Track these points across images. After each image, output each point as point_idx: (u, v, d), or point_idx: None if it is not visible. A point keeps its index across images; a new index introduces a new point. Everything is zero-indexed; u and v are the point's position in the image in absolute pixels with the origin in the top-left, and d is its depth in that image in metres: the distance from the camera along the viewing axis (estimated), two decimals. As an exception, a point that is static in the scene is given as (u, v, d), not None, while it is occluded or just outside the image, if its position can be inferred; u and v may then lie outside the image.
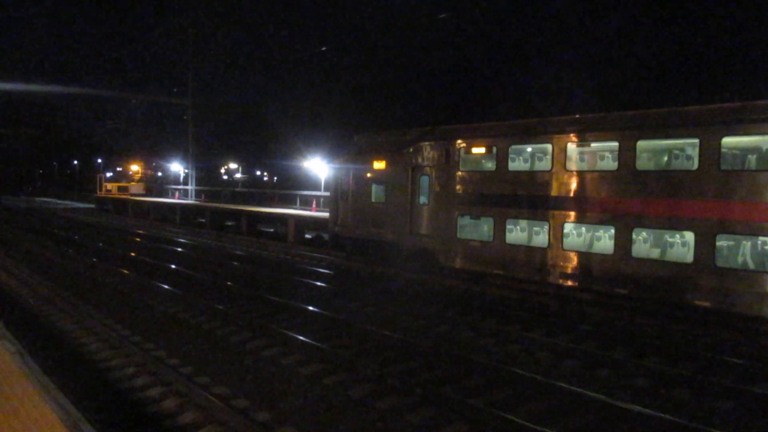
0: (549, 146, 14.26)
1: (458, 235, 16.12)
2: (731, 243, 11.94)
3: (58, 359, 9.34)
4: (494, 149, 15.41)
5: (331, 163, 21.88)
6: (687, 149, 12.77)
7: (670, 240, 12.88)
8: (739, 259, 11.82)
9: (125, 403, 7.67)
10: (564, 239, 13.88)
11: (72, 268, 18.35)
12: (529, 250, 14.66)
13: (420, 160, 17.14)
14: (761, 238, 11.49)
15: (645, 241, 13.28)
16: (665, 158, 13.32)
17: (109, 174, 61.19)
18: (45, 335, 10.87)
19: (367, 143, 19.86)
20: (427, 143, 17.02)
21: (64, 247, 22.98)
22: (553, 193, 13.99)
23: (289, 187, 54.24)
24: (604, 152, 14.06)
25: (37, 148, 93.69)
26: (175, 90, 49.35)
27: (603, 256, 13.22)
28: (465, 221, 16.27)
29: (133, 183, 56.87)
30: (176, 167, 62.73)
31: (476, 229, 16.37)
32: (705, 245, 11.51)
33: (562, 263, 13.82)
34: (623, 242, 12.70)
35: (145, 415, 7.34)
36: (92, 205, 56.12)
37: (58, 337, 10.72)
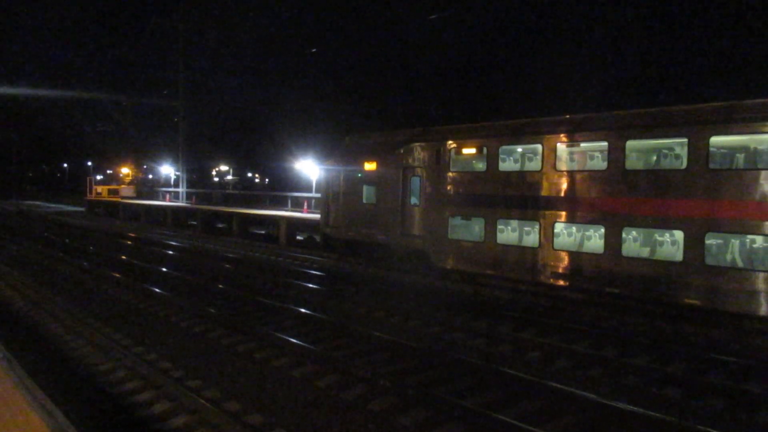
0: (539, 146, 14.31)
1: (450, 236, 16.14)
2: (720, 241, 12.01)
3: (46, 364, 9.26)
4: (485, 150, 15.44)
5: (323, 165, 21.85)
6: (676, 148, 12.84)
7: (659, 239, 12.95)
8: (728, 258, 11.90)
9: (115, 408, 7.61)
10: (554, 239, 13.92)
11: (62, 272, 18.21)
12: (520, 250, 14.69)
13: (411, 161, 17.14)
14: (750, 237, 11.57)
15: (635, 240, 13.34)
16: (654, 158, 13.39)
17: (99, 177, 60.81)
18: (33, 340, 10.77)
19: (358, 144, 19.84)
20: (418, 144, 17.03)
21: (53, 251, 22.80)
22: (544, 193, 14.03)
23: (281, 188, 54.16)
24: (594, 152, 14.11)
25: (26, 151, 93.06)
26: (165, 92, 49.14)
27: (593, 256, 13.27)
28: (456, 222, 16.29)
29: (123, 185, 56.50)
30: (167, 169, 62.46)
31: (467, 229, 16.39)
32: (694, 244, 11.57)
33: (552, 263, 13.85)
34: (613, 241, 12.75)
35: (135, 420, 7.29)
36: (82, 208, 55.73)
37: (46, 342, 10.63)
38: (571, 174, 13.79)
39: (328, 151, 29.09)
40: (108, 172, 62.05)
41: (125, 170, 60.06)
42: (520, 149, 15.58)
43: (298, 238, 28.12)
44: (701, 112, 11.87)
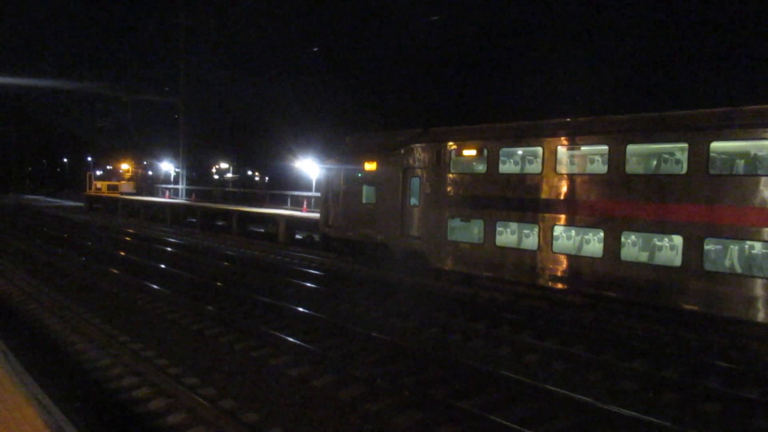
0: (539, 149, 14.31)
1: (449, 237, 16.13)
2: (719, 247, 12.02)
3: (43, 359, 9.25)
4: (485, 151, 15.43)
5: (323, 164, 21.85)
6: (676, 153, 12.86)
7: (658, 243, 12.96)
8: (727, 263, 11.91)
9: (112, 404, 7.60)
10: (554, 242, 13.92)
11: (60, 267, 18.19)
12: (519, 252, 14.70)
13: (411, 161, 17.14)
14: (748, 242, 11.58)
15: (634, 244, 13.35)
16: (654, 162, 13.41)
17: (99, 172, 60.69)
18: (30, 334, 10.76)
19: (359, 144, 19.84)
20: (418, 145, 17.03)
21: (52, 246, 22.78)
22: (543, 195, 14.04)
23: (281, 187, 54.09)
24: (594, 156, 14.13)
25: (26, 146, 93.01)
26: (166, 88, 49.12)
27: (592, 259, 13.27)
28: (455, 223, 16.29)
29: (123, 181, 56.46)
30: (167, 166, 62.42)
31: (467, 231, 16.39)
32: (693, 249, 11.58)
33: (551, 266, 13.85)
34: (612, 245, 12.75)
35: (131, 416, 7.28)
36: (82, 204, 55.69)
37: (44, 337, 10.62)
38: (571, 177, 13.79)
39: (328, 150, 29.10)
40: (108, 167, 61.89)
41: (125, 166, 60.02)
42: (520, 152, 15.59)
43: (298, 236, 28.11)
44: (702, 118, 11.88)
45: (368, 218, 18.47)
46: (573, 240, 14.50)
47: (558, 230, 14.10)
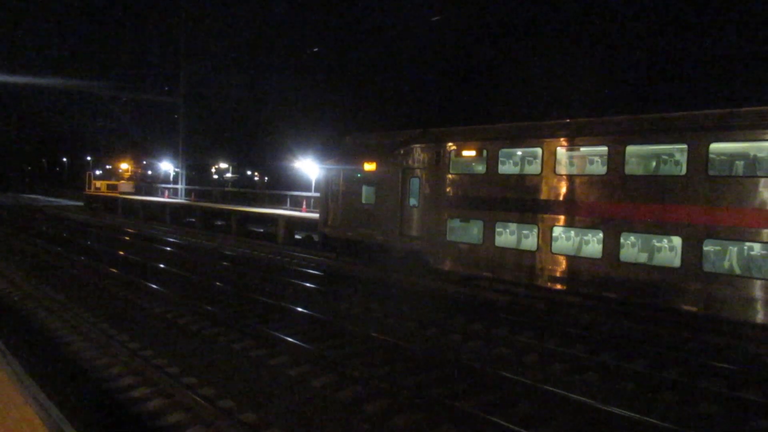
0: (539, 150, 14.32)
1: (448, 238, 16.14)
2: (718, 248, 12.03)
3: (41, 359, 9.23)
4: (484, 152, 15.44)
5: (322, 164, 21.85)
6: (675, 155, 12.87)
7: (657, 245, 12.97)
8: (726, 265, 11.92)
9: (110, 404, 7.60)
10: (553, 243, 13.93)
11: (59, 266, 18.18)
12: (518, 253, 14.70)
13: (411, 162, 17.14)
14: (747, 244, 11.59)
15: (633, 245, 13.35)
16: (654, 163, 13.42)
17: (98, 172, 60.71)
18: (29, 334, 10.74)
19: (358, 144, 19.84)
20: (417, 145, 17.03)
21: (51, 245, 22.75)
22: (543, 196, 14.05)
23: (281, 187, 54.11)
24: (594, 156, 14.14)
25: (25, 145, 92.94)
26: (166, 88, 49.14)
27: (591, 260, 13.28)
28: (455, 224, 16.29)
29: (122, 181, 56.48)
30: (166, 166, 62.44)
31: (466, 231, 16.40)
32: (692, 250, 11.59)
33: (550, 267, 13.86)
34: (611, 246, 12.76)
35: (130, 416, 7.27)
36: (81, 203, 55.67)
37: (42, 336, 10.60)
38: (570, 178, 13.80)
39: (327, 150, 29.12)
40: (107, 167, 61.90)
41: (124, 166, 60.06)
42: (519, 152, 15.60)
43: (297, 237, 28.11)
44: (701, 119, 11.89)
45: (367, 218, 18.47)
46: (572, 241, 14.51)
47: (557, 231, 14.11)
